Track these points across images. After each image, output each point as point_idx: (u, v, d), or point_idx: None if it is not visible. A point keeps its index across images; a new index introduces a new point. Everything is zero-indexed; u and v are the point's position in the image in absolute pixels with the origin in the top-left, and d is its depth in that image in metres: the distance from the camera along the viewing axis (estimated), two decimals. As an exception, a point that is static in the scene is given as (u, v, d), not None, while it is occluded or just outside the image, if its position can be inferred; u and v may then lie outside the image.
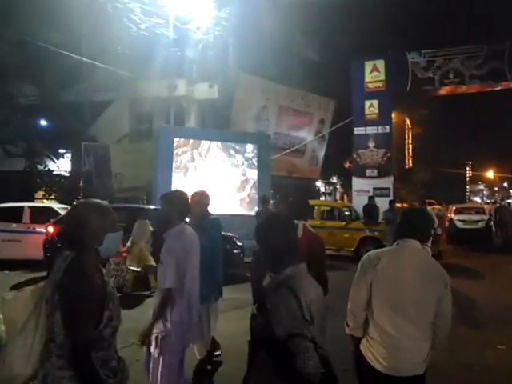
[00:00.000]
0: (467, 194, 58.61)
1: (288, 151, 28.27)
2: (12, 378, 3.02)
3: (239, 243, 14.20)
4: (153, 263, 9.21)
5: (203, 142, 19.08)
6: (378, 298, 3.59)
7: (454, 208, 26.36)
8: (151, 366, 4.69)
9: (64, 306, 2.70)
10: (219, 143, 19.34)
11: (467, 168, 61.30)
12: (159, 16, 21.80)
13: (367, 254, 3.78)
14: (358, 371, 3.92)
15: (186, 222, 5.12)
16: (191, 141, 18.94)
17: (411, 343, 3.55)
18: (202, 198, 6.51)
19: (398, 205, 23.82)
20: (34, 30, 21.47)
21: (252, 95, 26.57)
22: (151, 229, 11.64)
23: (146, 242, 11.55)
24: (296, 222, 5.43)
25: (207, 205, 6.57)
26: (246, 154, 19.82)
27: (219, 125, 24.48)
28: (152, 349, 4.62)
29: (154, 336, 4.61)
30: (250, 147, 19.96)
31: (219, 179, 18.89)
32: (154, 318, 4.61)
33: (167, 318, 4.59)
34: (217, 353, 6.94)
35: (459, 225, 24.58)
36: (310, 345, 2.54)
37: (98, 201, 3.11)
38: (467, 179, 61.79)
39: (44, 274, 2.99)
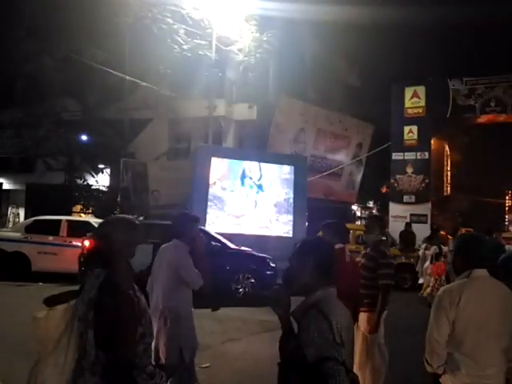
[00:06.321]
0: (506, 223, 57.39)
1: (324, 174, 28.17)
2: None
3: (273, 264, 14.16)
4: None
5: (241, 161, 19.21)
6: (464, 333, 3.59)
7: (492, 237, 25.94)
8: None
9: (102, 325, 2.68)
10: (256, 163, 19.41)
11: (507, 197, 60.21)
12: (202, 37, 22.09)
13: (443, 290, 3.73)
14: None
15: None
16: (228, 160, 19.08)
17: (493, 370, 3.59)
18: None
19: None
20: (79, 47, 21.95)
21: (291, 117, 26.57)
22: None
23: None
24: (342, 245, 5.47)
25: None
26: (282, 176, 19.82)
27: (256, 145, 24.56)
28: None
29: None
30: (286, 168, 19.98)
31: (254, 200, 18.95)
32: None
33: None
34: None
35: (498, 255, 24.18)
36: (342, 368, 2.52)
37: (124, 215, 3.21)
38: (506, 208, 60.63)
39: (78, 287, 2.98)
